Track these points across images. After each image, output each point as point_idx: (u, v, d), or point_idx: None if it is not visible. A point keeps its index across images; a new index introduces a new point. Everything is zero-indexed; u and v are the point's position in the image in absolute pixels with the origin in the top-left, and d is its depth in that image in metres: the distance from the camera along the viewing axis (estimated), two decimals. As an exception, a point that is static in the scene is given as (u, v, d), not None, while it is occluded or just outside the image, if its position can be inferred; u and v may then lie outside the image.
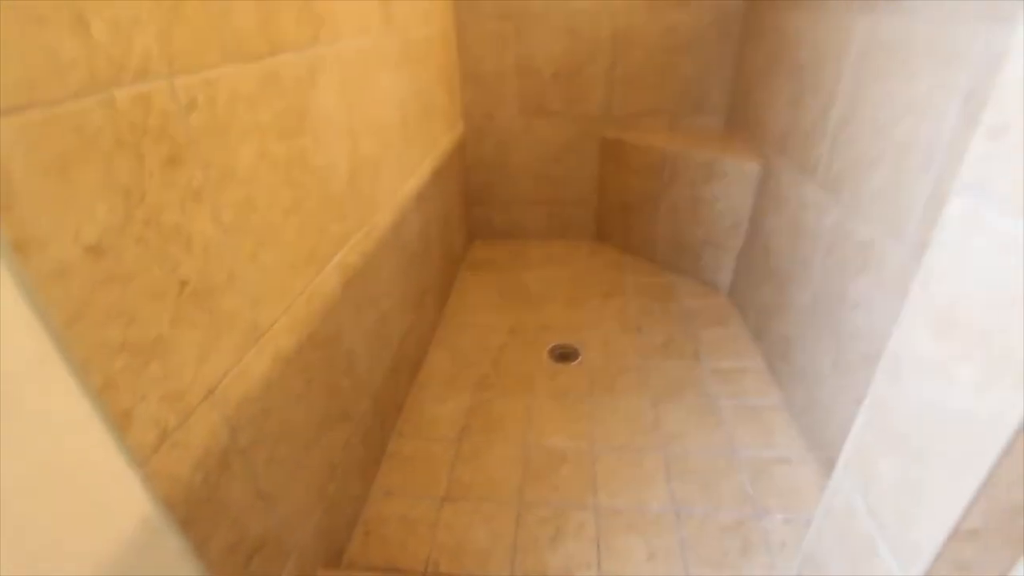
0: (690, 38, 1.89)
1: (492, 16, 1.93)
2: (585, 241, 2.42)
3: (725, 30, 1.86)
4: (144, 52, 0.54)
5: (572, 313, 1.88)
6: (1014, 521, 0.41)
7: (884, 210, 0.97)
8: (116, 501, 0.50)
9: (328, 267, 0.97)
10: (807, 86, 1.30)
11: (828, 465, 1.16)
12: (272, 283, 0.79)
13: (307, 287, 0.90)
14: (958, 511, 0.42)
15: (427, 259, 1.68)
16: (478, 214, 2.40)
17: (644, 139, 2.01)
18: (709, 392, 1.47)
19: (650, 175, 2.00)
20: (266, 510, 0.79)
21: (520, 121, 2.15)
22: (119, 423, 0.52)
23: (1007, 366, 0.39)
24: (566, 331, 1.78)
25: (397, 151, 1.37)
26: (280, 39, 0.80)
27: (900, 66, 0.92)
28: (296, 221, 0.85)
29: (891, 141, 0.95)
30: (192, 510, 0.62)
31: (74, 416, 0.46)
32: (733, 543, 1.07)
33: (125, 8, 0.52)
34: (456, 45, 2.00)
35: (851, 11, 1.10)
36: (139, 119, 0.54)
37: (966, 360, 0.43)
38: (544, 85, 2.06)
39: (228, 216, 0.68)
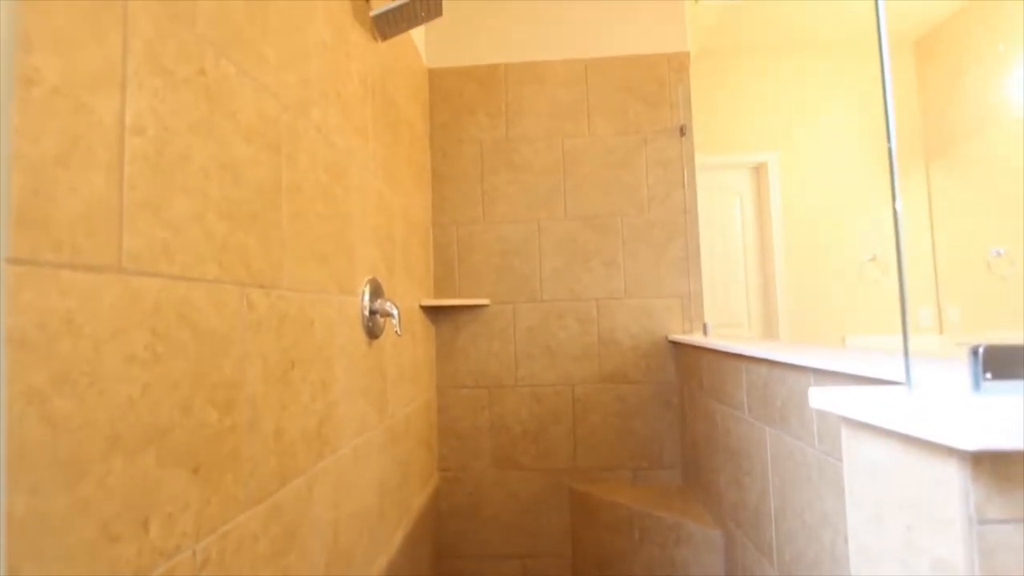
0: (637, 406, 2.21)
1: (469, 386, 2.27)
2: (562, 600, 2.25)
3: (666, 401, 2.20)
4: (181, 532, 0.66)
5: None
6: None
7: (840, 616, 1.02)
8: None
9: None
10: (743, 471, 1.49)
11: None
12: None
13: None
14: None
15: (389, 644, 1.53)
16: (448, 568, 2.28)
17: (610, 493, 2.11)
18: None
19: (620, 532, 2.03)
20: None
21: (493, 473, 2.27)
22: None
23: None
24: None
25: (372, 530, 1.42)
26: (291, 469, 0.95)
27: (806, 480, 1.12)
28: (264, 650, 0.85)
29: (823, 547, 1.06)
30: None
31: None
32: None
33: (178, 503, 0.66)
34: (436, 408, 2.28)
35: (757, 419, 1.37)
36: (157, 594, 0.62)
37: None
38: (515, 441, 2.27)
39: (202, 671, 0.69)
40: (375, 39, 1.51)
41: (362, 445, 1.33)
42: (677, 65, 2.28)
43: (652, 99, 2.27)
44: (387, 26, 1.47)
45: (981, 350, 0.44)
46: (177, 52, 0.68)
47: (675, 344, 2.21)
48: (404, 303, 1.82)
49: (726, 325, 3.23)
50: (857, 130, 3.33)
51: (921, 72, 3.35)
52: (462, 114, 2.33)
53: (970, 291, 3.06)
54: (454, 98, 2.33)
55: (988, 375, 0.44)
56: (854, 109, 3.33)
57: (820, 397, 0.53)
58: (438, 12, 1.47)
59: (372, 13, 1.39)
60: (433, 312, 2.28)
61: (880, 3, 0.78)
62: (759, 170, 3.35)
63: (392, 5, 1.38)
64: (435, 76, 2.35)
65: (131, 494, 0.58)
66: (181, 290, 0.67)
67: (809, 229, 3.29)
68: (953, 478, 0.40)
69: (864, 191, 3.30)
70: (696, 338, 1.95)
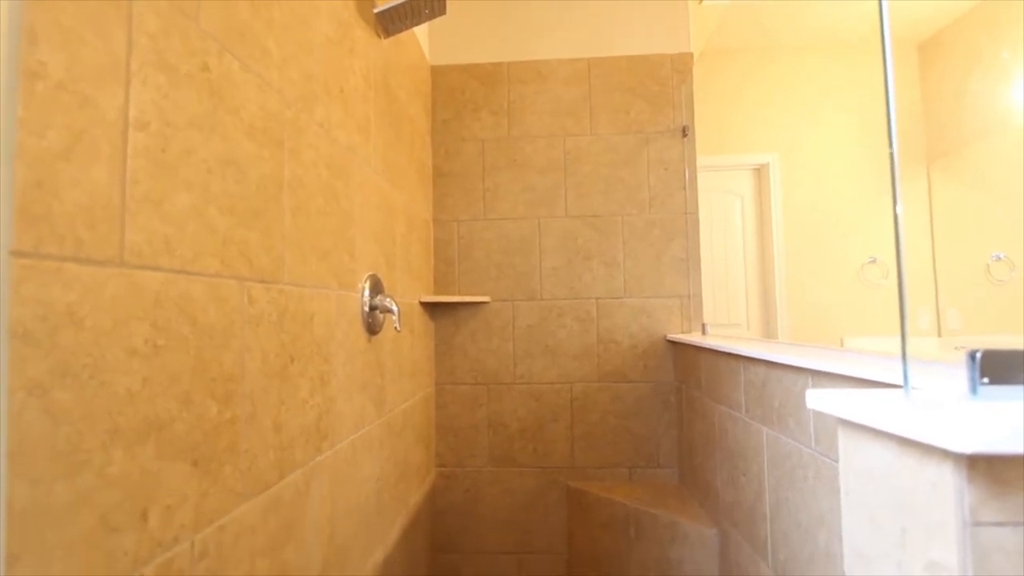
0: (635, 405, 2.22)
1: (468, 383, 2.27)
2: (557, 597, 2.26)
3: (664, 400, 2.21)
4: (180, 524, 0.66)
5: None
6: None
7: (833, 617, 1.02)
8: None
9: None
10: (740, 470, 1.50)
11: None
12: None
13: None
14: None
15: (384, 639, 1.54)
16: (444, 563, 2.29)
17: (607, 491, 2.12)
18: None
19: (616, 530, 2.03)
20: None
21: (490, 470, 2.28)
22: None
23: None
24: None
25: (369, 525, 1.42)
26: (290, 463, 0.95)
27: (802, 480, 1.12)
28: (260, 643, 0.85)
29: (817, 547, 1.07)
30: None
31: None
32: None
33: (177, 495, 0.66)
34: (434, 404, 2.28)
35: (754, 419, 1.37)
36: (156, 586, 0.62)
37: None
38: (512, 438, 2.27)
39: (199, 663, 0.70)
40: (378, 35, 1.51)
41: (360, 440, 1.34)
42: (680, 66, 2.27)
43: (655, 99, 2.27)
44: (390, 23, 1.47)
45: (979, 355, 0.45)
46: (181, 47, 0.68)
47: (674, 344, 2.22)
48: (404, 299, 1.82)
49: (725, 325, 3.23)
50: (859, 132, 3.33)
51: (924, 75, 3.35)
52: (464, 112, 2.33)
53: (969, 295, 3.07)
54: (457, 96, 2.33)
55: (985, 380, 0.45)
56: (856, 111, 3.32)
57: (817, 399, 0.54)
58: (442, 11, 1.47)
59: (376, 10, 1.39)
60: (433, 308, 2.28)
61: (884, 5, 0.78)
62: (760, 172, 3.35)
63: (396, 2, 1.38)
64: (438, 73, 2.34)
65: (130, 485, 0.59)
66: (182, 284, 0.68)
67: (810, 231, 3.30)
68: (948, 481, 0.40)
69: (865, 193, 3.30)
70: (694, 338, 1.95)
